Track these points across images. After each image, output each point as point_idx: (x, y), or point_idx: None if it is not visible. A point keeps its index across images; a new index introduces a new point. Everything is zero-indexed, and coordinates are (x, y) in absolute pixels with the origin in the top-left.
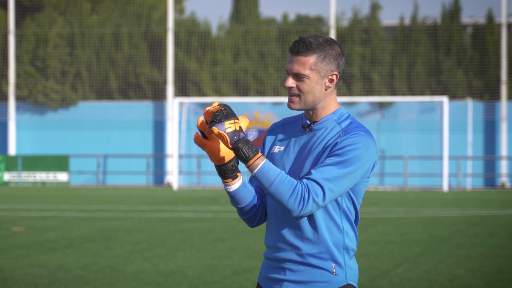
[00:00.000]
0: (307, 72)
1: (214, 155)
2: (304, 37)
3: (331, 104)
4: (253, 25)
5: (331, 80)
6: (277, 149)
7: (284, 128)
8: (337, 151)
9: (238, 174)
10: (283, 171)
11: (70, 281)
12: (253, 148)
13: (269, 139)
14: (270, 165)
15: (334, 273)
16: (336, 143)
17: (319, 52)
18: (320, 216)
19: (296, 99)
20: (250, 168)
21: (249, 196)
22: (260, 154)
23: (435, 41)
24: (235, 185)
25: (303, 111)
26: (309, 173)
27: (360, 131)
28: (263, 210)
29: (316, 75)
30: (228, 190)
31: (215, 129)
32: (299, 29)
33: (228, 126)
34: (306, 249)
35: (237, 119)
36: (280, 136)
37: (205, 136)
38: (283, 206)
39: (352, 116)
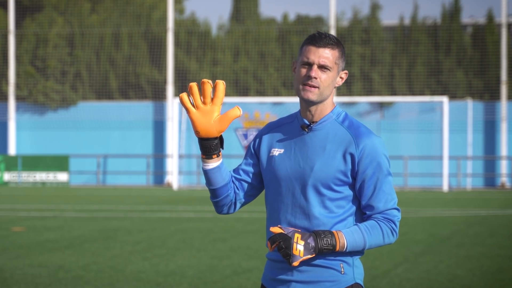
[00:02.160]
0: (332, 64)
1: (193, 125)
2: (323, 32)
3: (330, 103)
4: (253, 25)
5: (341, 78)
6: (277, 151)
7: (281, 129)
8: (369, 171)
9: (214, 156)
10: (359, 225)
11: (70, 281)
12: (327, 235)
13: (266, 140)
14: (349, 232)
15: (343, 272)
16: (353, 156)
17: (340, 48)
18: (329, 218)
19: (316, 90)
20: (340, 250)
21: (221, 181)
22: (335, 232)
23: (435, 41)
24: (209, 165)
25: (297, 111)
26: (373, 208)
27: (368, 135)
28: (233, 200)
29: (336, 69)
30: (203, 167)
31: (296, 263)
32: (299, 29)
33: (298, 250)
34: None
35: (291, 237)
36: (278, 138)
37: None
38: (382, 246)
39: (348, 114)
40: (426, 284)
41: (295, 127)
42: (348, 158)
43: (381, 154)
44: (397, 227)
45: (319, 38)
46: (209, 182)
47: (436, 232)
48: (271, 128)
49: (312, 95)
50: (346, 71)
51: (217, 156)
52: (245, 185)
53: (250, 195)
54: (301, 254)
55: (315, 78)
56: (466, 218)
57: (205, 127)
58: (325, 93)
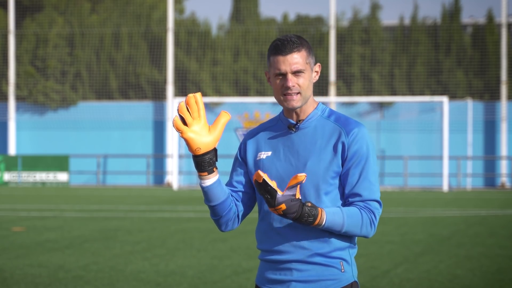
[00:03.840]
0: (304, 66)
1: (191, 144)
2: (283, 37)
3: (312, 100)
4: (253, 25)
5: (317, 72)
6: (264, 154)
7: (265, 133)
8: (356, 158)
9: (214, 169)
10: (342, 208)
11: (70, 281)
12: (312, 208)
13: (252, 146)
14: (330, 212)
15: (343, 270)
16: (344, 144)
17: (305, 46)
18: None
19: (298, 96)
20: (317, 226)
21: (222, 195)
22: (319, 208)
23: (435, 41)
24: (210, 180)
25: (279, 113)
26: (356, 195)
27: (357, 125)
28: (235, 214)
29: (309, 69)
30: (202, 184)
31: (272, 210)
32: (299, 29)
33: (280, 208)
34: (315, 249)
35: (282, 202)
36: (263, 142)
37: (185, 123)
38: (357, 236)
39: (332, 109)
40: (426, 284)
41: (280, 128)
42: (339, 147)
43: (369, 143)
44: (377, 220)
45: (283, 46)
46: (211, 198)
47: (436, 232)
48: (253, 134)
49: (296, 102)
50: (319, 64)
51: (216, 168)
52: (243, 195)
53: (249, 206)
54: (283, 207)
55: (293, 85)
56: (466, 218)
57: (204, 141)
58: (307, 95)
